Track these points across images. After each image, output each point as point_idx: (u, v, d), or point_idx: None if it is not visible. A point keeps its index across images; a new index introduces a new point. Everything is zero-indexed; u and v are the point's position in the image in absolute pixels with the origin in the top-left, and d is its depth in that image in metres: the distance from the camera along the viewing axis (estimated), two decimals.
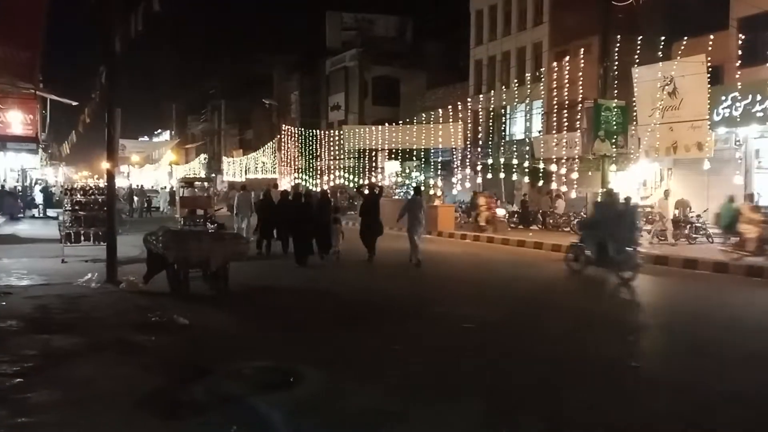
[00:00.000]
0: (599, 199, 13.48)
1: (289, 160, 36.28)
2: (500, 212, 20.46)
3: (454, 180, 23.97)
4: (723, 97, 16.10)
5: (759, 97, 15.20)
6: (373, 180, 27.02)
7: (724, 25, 17.99)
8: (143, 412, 4.60)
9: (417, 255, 12.86)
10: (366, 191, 14.57)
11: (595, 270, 11.38)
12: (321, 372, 5.48)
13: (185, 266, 9.13)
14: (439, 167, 26.39)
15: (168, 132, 75.13)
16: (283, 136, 37.01)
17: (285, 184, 32.08)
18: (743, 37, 16.59)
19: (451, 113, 25.70)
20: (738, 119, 15.81)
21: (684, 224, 16.18)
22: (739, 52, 16.31)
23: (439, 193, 23.54)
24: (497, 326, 7.59)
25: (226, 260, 9.36)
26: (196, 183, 24.66)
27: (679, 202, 16.91)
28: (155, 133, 76.63)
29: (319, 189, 25.99)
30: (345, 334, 7.08)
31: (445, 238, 19.54)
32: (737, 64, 16.05)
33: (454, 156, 25.29)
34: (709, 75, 16.59)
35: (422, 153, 27.56)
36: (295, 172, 34.96)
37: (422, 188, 17.79)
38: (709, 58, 16.44)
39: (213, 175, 52.07)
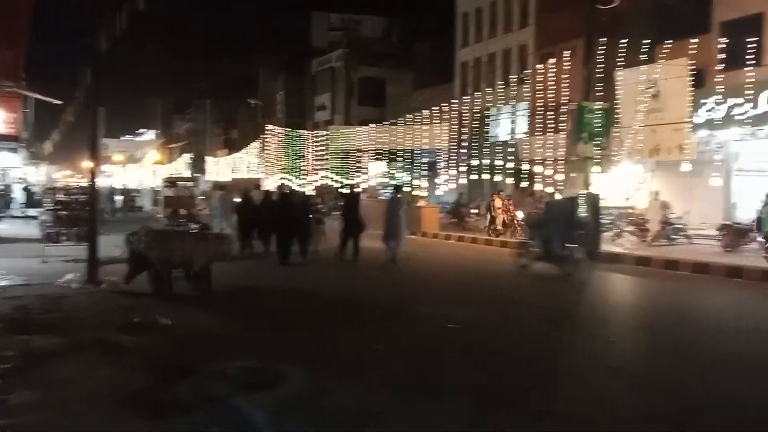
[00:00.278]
0: (547, 200, 14.43)
1: (274, 160, 36.15)
2: (519, 215, 18.95)
3: (438, 181, 24.05)
4: (705, 101, 16.31)
5: (740, 101, 15.42)
6: (358, 180, 27.03)
7: (707, 28, 18.23)
8: (127, 412, 4.57)
9: (395, 250, 13.09)
10: (346, 192, 14.74)
11: (541, 265, 11.95)
12: (304, 371, 5.48)
13: (168, 266, 9.07)
14: (425, 168, 26.45)
15: (152, 131, 74.55)
16: (267, 135, 36.87)
17: (270, 184, 31.96)
18: (726, 40, 16.79)
19: (437, 114, 25.77)
20: (719, 122, 16.03)
21: (665, 226, 16.35)
22: (722, 56, 16.51)
23: (424, 193, 23.59)
24: (480, 325, 7.62)
25: (210, 260, 9.32)
26: (180, 183, 24.50)
27: (660, 204, 17.08)
28: (139, 132, 76.02)
29: (303, 189, 25.95)
30: (328, 333, 7.08)
31: (429, 238, 19.60)
32: (719, 68, 16.26)
33: (439, 157, 25.37)
34: (692, 78, 16.79)
35: (408, 154, 27.62)
36: (280, 172, 34.83)
37: (405, 188, 17.83)
38: (692, 62, 16.64)
39: (197, 174, 51.74)
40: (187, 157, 58.53)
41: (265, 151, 36.65)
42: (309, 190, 27.38)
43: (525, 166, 21.85)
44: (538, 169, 20.67)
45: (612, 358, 6.27)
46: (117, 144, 56.82)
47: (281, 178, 32.65)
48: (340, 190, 15.84)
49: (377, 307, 8.81)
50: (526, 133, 25.56)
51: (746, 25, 17.44)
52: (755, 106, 15.12)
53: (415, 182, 24.78)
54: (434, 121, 25.98)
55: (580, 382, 5.50)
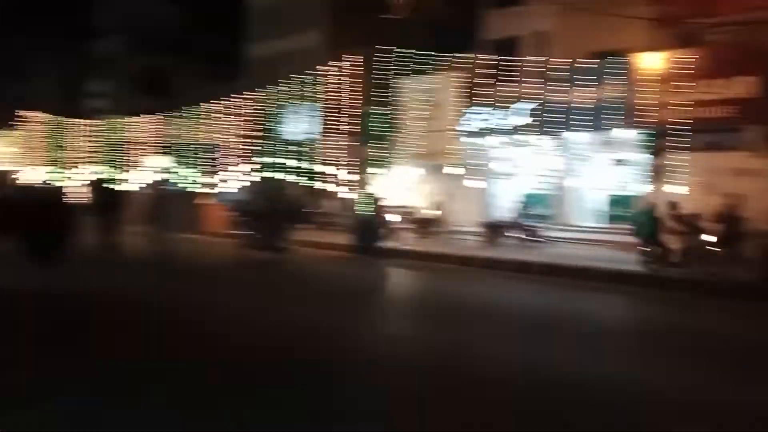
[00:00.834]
0: (262, 197, 16.90)
1: (36, 151, 32.15)
2: (393, 218, 17.81)
3: (225, 177, 23.37)
4: (473, 110, 18.11)
5: (503, 112, 17.40)
6: (136, 175, 25.25)
7: (478, 45, 20.20)
8: None
9: (158, 245, 13.01)
10: (103, 187, 14.07)
11: (258, 252, 13.92)
12: (72, 387, 4.80)
13: None
14: (211, 164, 25.50)
15: None
16: (30, 123, 32.70)
17: (33, 176, 28.45)
18: (492, 57, 18.65)
19: (225, 108, 25.03)
20: (484, 131, 17.91)
21: (441, 224, 17.69)
22: (489, 71, 18.34)
23: (208, 191, 22.75)
24: (269, 325, 7.38)
25: None
26: None
27: (435, 203, 18.49)
28: None
29: (71, 183, 23.47)
30: (94, 340, 6.31)
31: (212, 237, 18.93)
32: (487, 81, 18.07)
33: (228, 153, 24.68)
34: (463, 90, 18.45)
35: (193, 148, 26.42)
36: (43, 164, 31.09)
37: (188, 185, 17.36)
38: (465, 74, 18.30)
39: None
40: None
41: (26, 141, 32.45)
42: (79, 185, 24.82)
43: (316, 166, 22.17)
44: (328, 169, 21.10)
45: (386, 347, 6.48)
46: None
47: (47, 171, 29.24)
48: (103, 184, 14.80)
49: (148, 307, 8.13)
50: (317, 133, 25.89)
51: (509, 44, 19.66)
52: (509, 118, 17.21)
53: (201, 179, 23.80)
54: (223, 116, 25.22)
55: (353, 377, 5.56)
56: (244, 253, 14.40)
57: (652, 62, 15.35)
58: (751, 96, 13.96)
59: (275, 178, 22.91)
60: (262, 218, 14.71)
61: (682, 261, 11.68)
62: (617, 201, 17.22)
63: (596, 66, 15.97)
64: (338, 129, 21.82)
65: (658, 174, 15.09)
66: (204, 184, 23.42)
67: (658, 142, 14.96)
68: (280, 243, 14.39)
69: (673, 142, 14.57)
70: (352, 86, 20.85)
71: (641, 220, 12.65)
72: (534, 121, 17.04)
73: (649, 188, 15.24)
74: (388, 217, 17.97)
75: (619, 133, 15.94)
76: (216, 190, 23.60)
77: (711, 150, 14.55)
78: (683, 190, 14.22)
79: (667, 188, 14.45)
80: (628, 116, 15.40)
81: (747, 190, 13.04)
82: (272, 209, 15.09)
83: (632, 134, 15.76)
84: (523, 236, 15.88)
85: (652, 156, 15.26)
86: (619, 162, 16.74)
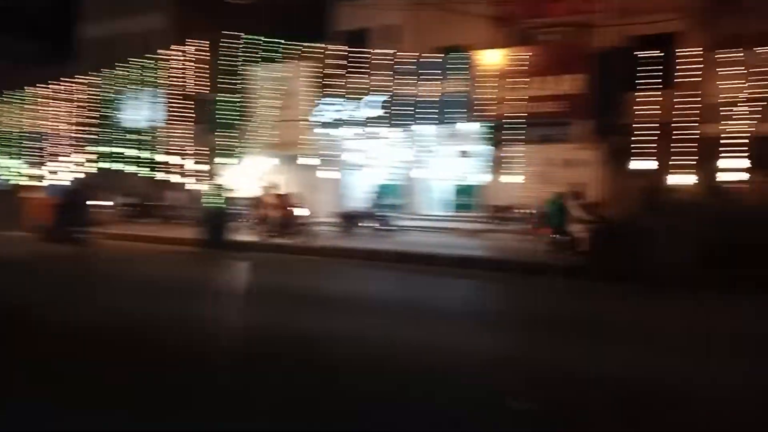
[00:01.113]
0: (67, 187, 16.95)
1: None
2: (301, 212, 15.80)
3: (55, 169, 21.33)
4: (325, 101, 18.04)
5: (354, 104, 17.49)
6: None
7: (329, 35, 20.10)
8: None
9: None
10: None
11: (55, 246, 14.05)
12: None
13: None
14: (38, 154, 23.16)
15: None
16: None
17: None
18: (343, 48, 18.67)
19: (55, 94, 22.83)
20: (337, 122, 17.90)
21: (284, 215, 17.40)
22: (340, 62, 18.33)
23: (35, 183, 20.63)
24: (136, 322, 6.82)
25: None
26: None
27: (292, 195, 18.21)
28: None
29: None
30: None
31: (40, 234, 17.18)
32: (338, 72, 18.03)
33: (57, 142, 22.54)
34: (314, 80, 18.27)
35: (16, 137, 23.85)
36: None
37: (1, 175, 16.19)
38: (316, 64, 18.11)
39: None
40: None
41: None
42: None
43: (160, 156, 20.94)
44: (173, 159, 19.98)
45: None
46: None
47: None
48: None
49: None
50: (160, 121, 24.45)
51: (360, 35, 19.77)
52: (361, 110, 17.41)
53: (26, 171, 21.54)
54: (52, 102, 23.00)
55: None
56: (43, 247, 14.06)
57: (491, 59, 16.22)
58: (578, 92, 15.23)
59: (99, 168, 21.39)
60: (62, 210, 14.80)
61: (589, 249, 11.55)
62: (462, 190, 18.08)
63: (441, 61, 16.55)
64: (183, 117, 20.75)
65: (498, 165, 16.01)
66: (30, 177, 21.22)
67: (497, 134, 15.85)
68: (79, 235, 14.25)
69: (511, 134, 15.52)
70: (198, 72, 19.90)
71: (550, 210, 12.64)
72: (384, 113, 17.31)
73: (489, 178, 16.11)
74: (239, 209, 17.43)
75: (462, 126, 16.67)
76: (44, 183, 21.46)
77: (545, 142, 15.71)
78: (520, 179, 15.22)
79: (506, 178, 15.38)
80: (471, 110, 16.15)
81: (576, 179, 14.27)
82: (72, 200, 15.02)
83: (474, 127, 16.55)
84: (376, 225, 16.12)
85: (492, 148, 16.14)
86: (463, 153, 17.52)
